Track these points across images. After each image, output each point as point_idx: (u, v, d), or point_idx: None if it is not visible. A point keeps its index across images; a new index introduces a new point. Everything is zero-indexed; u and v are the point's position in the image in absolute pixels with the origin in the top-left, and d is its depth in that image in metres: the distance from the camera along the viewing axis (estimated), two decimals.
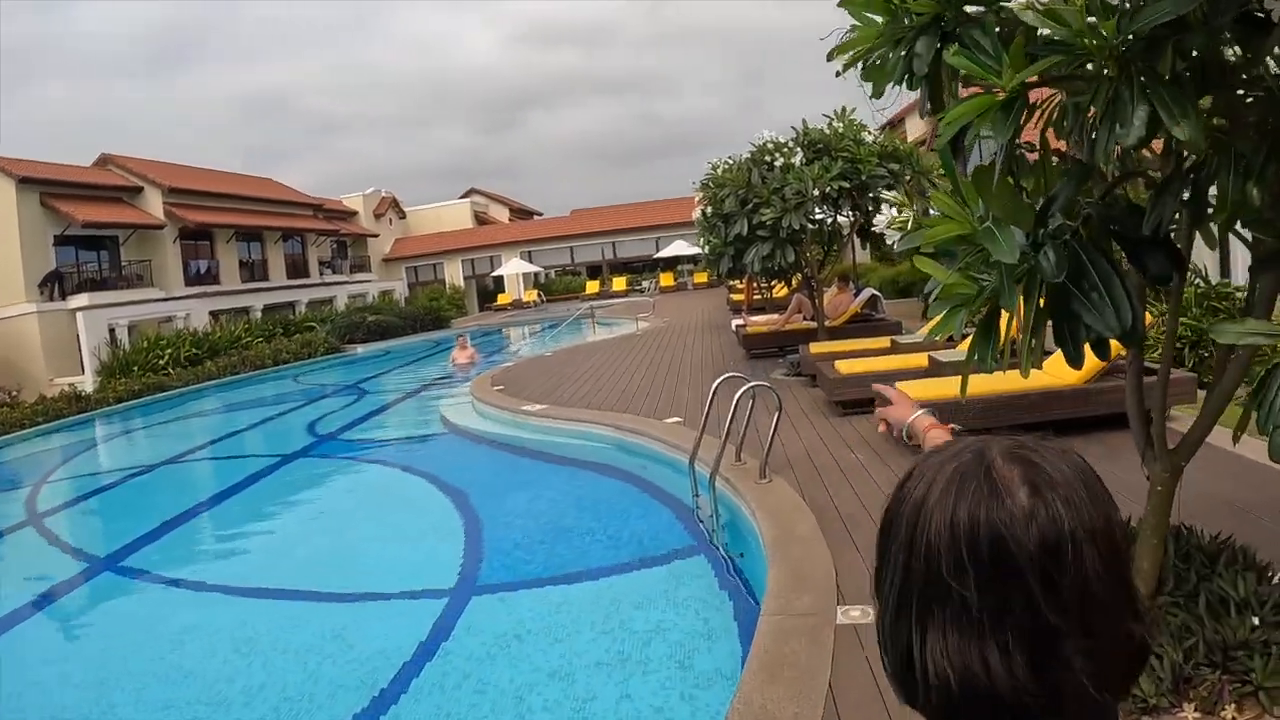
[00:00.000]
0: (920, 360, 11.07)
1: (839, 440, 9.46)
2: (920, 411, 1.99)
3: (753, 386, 8.27)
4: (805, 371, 13.59)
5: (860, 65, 3.22)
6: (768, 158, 14.29)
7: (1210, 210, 2.93)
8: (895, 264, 26.00)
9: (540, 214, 70.39)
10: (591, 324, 31.31)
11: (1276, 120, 2.59)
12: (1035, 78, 2.34)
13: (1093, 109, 2.49)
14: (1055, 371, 8.59)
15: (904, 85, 3.16)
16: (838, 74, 3.21)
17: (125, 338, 31.15)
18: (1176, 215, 2.87)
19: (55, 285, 31.92)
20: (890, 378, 10.01)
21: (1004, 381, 7.64)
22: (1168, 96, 2.16)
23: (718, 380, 8.80)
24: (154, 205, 36.92)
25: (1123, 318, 2.63)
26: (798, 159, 13.83)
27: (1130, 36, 2.24)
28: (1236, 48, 2.73)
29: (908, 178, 14.16)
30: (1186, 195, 2.82)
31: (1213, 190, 2.83)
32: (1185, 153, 3.04)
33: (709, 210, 15.43)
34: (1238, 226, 3.15)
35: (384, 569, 8.53)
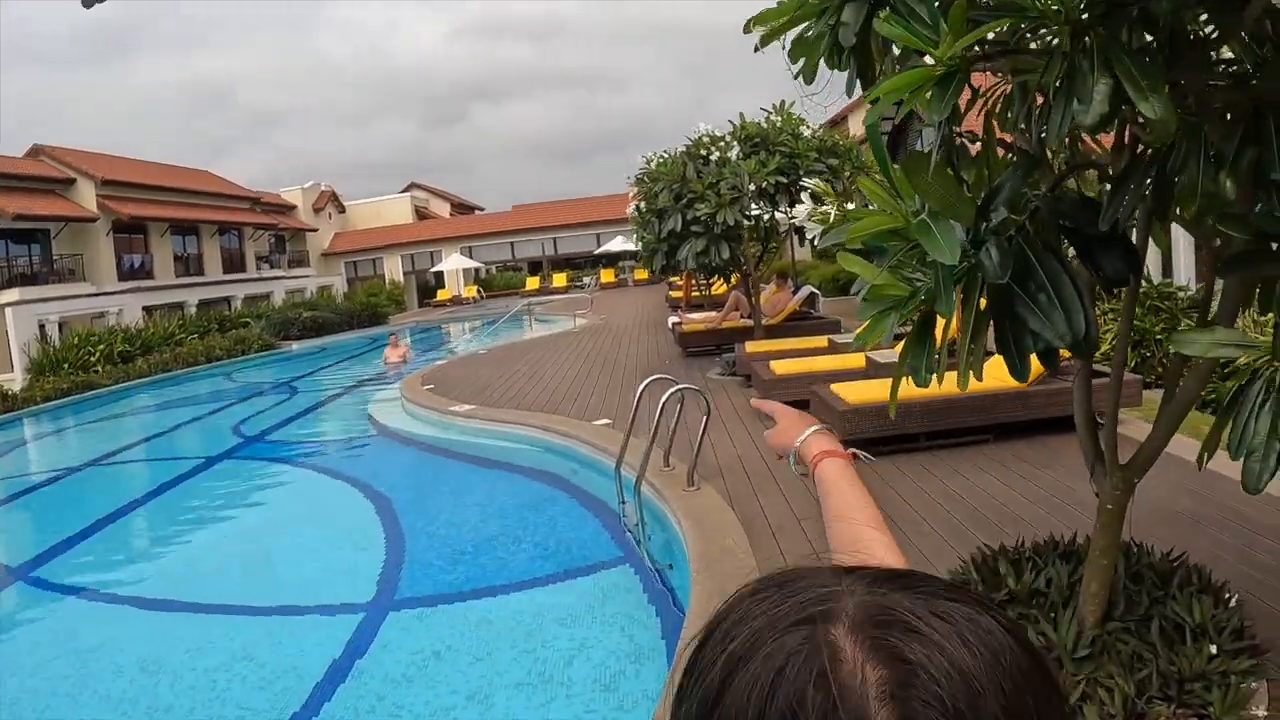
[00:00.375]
0: (858, 361, 10.81)
1: None
2: (810, 431, 1.52)
3: (681, 389, 7.94)
4: (741, 371, 13.35)
5: (786, 42, 2.90)
6: (703, 151, 14.06)
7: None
8: (836, 261, 25.93)
9: (482, 209, 69.79)
10: (529, 321, 31.14)
11: (1250, 104, 2.29)
12: (978, 48, 2.03)
13: (1040, 95, 2.19)
14: (996, 373, 8.38)
15: (836, 65, 2.83)
16: (756, 49, 2.87)
17: (56, 334, 30.34)
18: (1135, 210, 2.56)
19: None
20: (826, 378, 9.80)
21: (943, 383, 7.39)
22: (1134, 68, 1.83)
23: (645, 382, 8.48)
24: (87, 197, 35.88)
25: (1074, 324, 2.32)
26: (734, 153, 13.60)
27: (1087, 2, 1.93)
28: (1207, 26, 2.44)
29: (847, 174, 14.00)
30: (1148, 188, 2.50)
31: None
32: (1140, 144, 2.76)
33: (643, 205, 15.15)
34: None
35: (300, 581, 8.19)
